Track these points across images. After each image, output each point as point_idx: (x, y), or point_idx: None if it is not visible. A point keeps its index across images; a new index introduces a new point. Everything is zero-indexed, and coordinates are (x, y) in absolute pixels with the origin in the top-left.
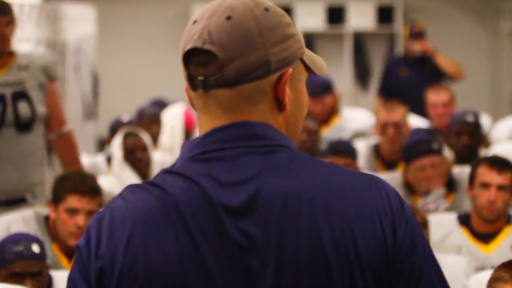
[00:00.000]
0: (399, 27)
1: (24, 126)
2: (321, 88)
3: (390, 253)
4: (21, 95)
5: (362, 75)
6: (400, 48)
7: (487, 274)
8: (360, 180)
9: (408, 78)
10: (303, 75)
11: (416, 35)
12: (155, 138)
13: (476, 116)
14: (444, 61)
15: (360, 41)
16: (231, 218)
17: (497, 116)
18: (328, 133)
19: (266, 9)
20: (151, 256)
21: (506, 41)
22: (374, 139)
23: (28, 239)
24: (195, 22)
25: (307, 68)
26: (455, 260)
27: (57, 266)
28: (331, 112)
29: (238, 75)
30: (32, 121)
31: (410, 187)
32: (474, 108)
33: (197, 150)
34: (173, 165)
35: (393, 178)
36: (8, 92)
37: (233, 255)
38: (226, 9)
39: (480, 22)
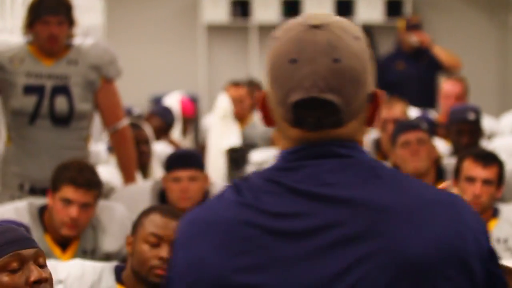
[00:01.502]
0: None
1: (59, 120)
2: None
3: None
4: (61, 89)
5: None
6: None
7: None
8: (447, 199)
9: (405, 71)
10: None
11: (413, 27)
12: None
13: (477, 113)
14: (441, 52)
15: (368, 33)
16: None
17: (505, 111)
18: None
19: (356, 38)
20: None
21: None
22: (375, 133)
23: (14, 225)
24: (294, 61)
25: None
26: None
27: (50, 257)
28: None
29: (351, 115)
30: (69, 117)
31: None
32: (482, 102)
33: (284, 163)
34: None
35: None
36: (48, 84)
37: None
38: (328, 48)
39: (488, 16)
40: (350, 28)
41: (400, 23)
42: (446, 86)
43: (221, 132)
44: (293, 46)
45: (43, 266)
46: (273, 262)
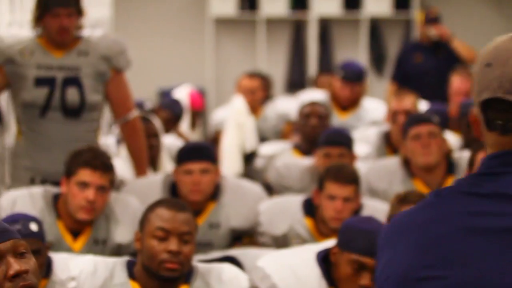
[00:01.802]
0: (416, 13)
1: (71, 112)
2: (356, 75)
3: None
4: (72, 81)
5: (377, 61)
6: (416, 34)
7: None
8: None
9: (423, 64)
10: None
11: (432, 20)
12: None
13: None
14: (460, 45)
15: (376, 27)
16: None
17: None
18: (347, 120)
19: None
20: None
21: None
22: (385, 127)
23: (26, 218)
24: (489, 65)
25: None
26: None
27: (61, 243)
28: (357, 101)
29: None
30: (80, 108)
31: (409, 168)
32: None
33: (485, 169)
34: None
35: (392, 162)
36: (59, 76)
37: None
38: None
39: (496, 8)
40: None
41: (419, 16)
42: (456, 82)
43: (239, 134)
44: (492, 52)
45: (24, 254)
46: (463, 257)
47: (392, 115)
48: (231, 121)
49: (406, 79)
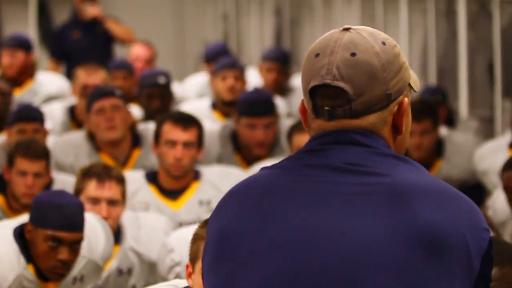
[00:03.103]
0: None
1: None
2: (15, 42)
3: None
4: None
5: (47, 38)
6: None
7: (185, 231)
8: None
9: (80, 41)
10: (409, 96)
11: None
12: None
13: (167, 77)
14: (113, 26)
15: (44, 4)
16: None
17: (183, 76)
18: (21, 96)
19: (383, 43)
20: None
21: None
22: (70, 101)
23: None
24: (317, 55)
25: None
26: (155, 218)
27: None
28: (25, 74)
29: (364, 107)
30: None
31: (95, 142)
32: (163, 67)
33: (307, 148)
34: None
35: (77, 136)
36: None
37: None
38: (349, 44)
39: None
40: (380, 35)
41: None
42: (136, 50)
43: None
44: (320, 43)
45: None
46: (283, 212)
47: (82, 89)
48: None
49: (66, 55)
